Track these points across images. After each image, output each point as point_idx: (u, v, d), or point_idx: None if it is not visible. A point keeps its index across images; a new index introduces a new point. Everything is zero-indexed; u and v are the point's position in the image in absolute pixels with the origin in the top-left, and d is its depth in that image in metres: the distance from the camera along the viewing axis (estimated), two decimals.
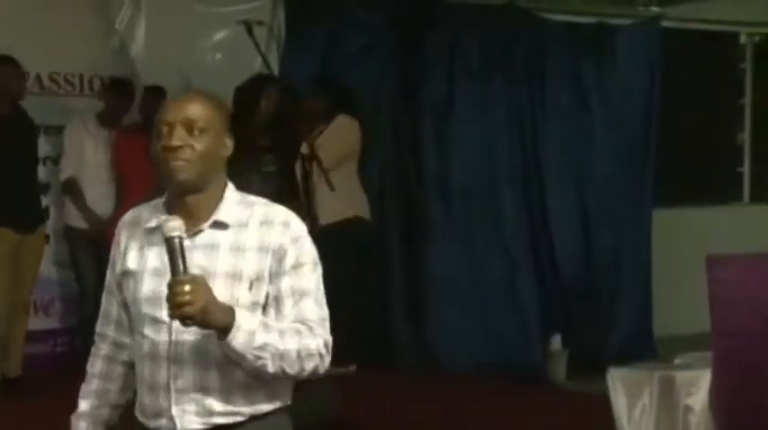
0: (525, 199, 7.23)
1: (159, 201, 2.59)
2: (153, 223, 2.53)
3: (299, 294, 2.48)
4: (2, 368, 6.21)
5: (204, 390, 2.47)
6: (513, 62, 7.30)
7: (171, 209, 2.52)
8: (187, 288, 2.30)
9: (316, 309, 2.50)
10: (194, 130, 2.45)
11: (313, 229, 6.53)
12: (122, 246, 2.61)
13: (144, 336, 2.52)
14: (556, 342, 7.10)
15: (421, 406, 6.11)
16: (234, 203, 2.53)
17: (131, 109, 6.84)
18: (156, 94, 6.50)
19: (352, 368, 6.70)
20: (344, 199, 6.68)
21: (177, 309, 2.31)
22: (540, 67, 7.36)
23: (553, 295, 7.21)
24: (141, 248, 2.55)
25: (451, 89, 7.23)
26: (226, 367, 2.45)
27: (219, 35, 7.29)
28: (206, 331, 2.39)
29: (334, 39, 7.36)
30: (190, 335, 2.43)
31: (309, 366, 2.46)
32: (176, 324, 2.39)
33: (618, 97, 7.53)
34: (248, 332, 2.36)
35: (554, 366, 6.98)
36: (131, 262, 2.57)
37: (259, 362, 2.39)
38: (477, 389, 6.42)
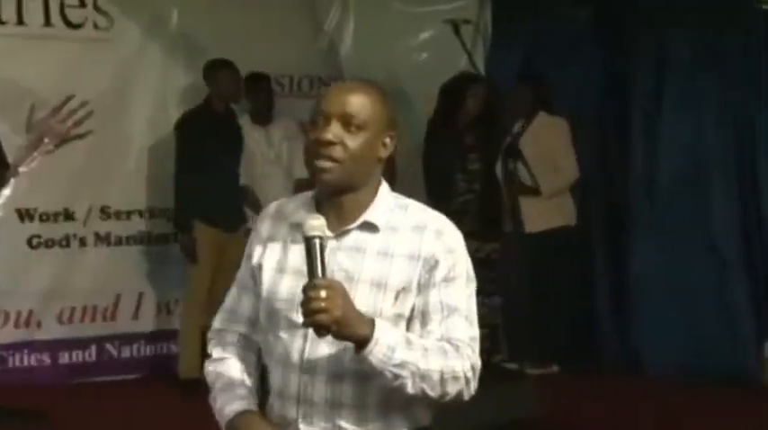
0: (739, 196, 6.97)
1: (309, 194, 2.41)
2: (298, 218, 2.32)
3: (449, 310, 2.27)
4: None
5: (336, 405, 2.28)
6: (727, 55, 7.04)
7: (320, 205, 2.35)
8: (323, 294, 2.12)
9: (465, 328, 2.28)
10: (351, 126, 2.26)
11: (516, 232, 6.53)
12: (263, 238, 2.42)
13: (278, 338, 2.33)
14: None
15: (624, 408, 6.00)
16: (386, 205, 2.34)
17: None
18: None
19: (555, 368, 6.67)
20: (552, 204, 6.60)
21: (311, 316, 2.13)
22: (756, 59, 7.07)
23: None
24: (285, 243, 2.37)
25: (661, 86, 7.05)
26: (361, 382, 2.26)
27: (425, 34, 7.37)
28: (342, 341, 2.21)
29: (539, 36, 7.32)
30: (326, 344, 2.24)
31: (453, 390, 2.25)
32: (312, 330, 2.19)
33: None
34: (387, 347, 2.17)
35: None
36: (270, 256, 2.38)
37: (398, 382, 2.19)
38: (683, 392, 6.23)
